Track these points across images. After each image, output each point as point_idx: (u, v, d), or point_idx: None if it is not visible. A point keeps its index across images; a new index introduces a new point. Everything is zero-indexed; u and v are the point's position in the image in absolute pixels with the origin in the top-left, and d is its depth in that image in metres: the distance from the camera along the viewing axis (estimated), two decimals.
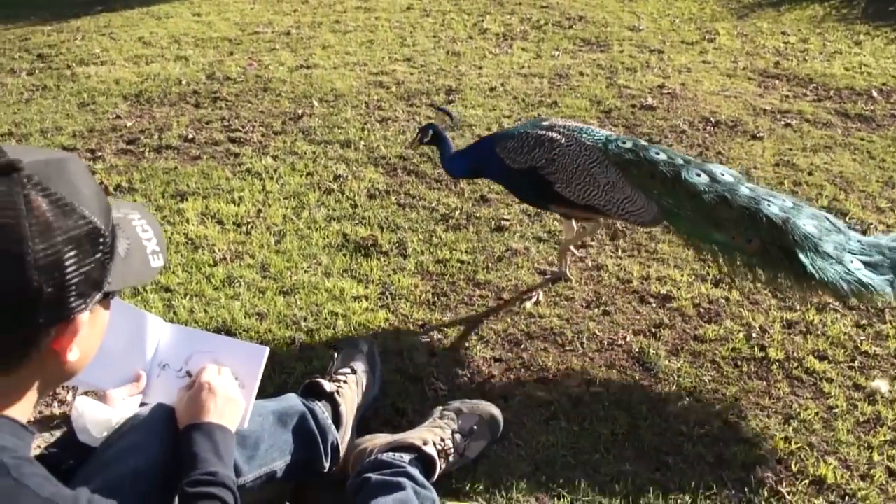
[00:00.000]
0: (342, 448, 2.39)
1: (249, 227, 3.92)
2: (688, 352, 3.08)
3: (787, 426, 2.74)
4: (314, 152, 4.67)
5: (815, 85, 5.76)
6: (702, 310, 3.32)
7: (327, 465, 2.32)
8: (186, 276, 3.50)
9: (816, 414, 2.79)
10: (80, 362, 1.35)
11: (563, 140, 3.11)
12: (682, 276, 3.52)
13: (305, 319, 3.22)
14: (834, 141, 4.85)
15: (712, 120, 5.08)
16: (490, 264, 3.61)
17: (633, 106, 5.31)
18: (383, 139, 4.83)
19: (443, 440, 2.39)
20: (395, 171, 4.42)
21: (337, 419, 2.40)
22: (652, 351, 3.06)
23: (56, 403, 2.59)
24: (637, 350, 3.08)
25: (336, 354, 2.77)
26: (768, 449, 2.65)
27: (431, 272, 3.55)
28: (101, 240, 1.29)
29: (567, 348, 3.09)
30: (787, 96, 5.55)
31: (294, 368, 2.92)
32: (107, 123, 5.26)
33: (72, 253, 1.23)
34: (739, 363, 3.03)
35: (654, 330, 3.20)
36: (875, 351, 3.12)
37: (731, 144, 4.76)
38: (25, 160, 1.21)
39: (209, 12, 8.00)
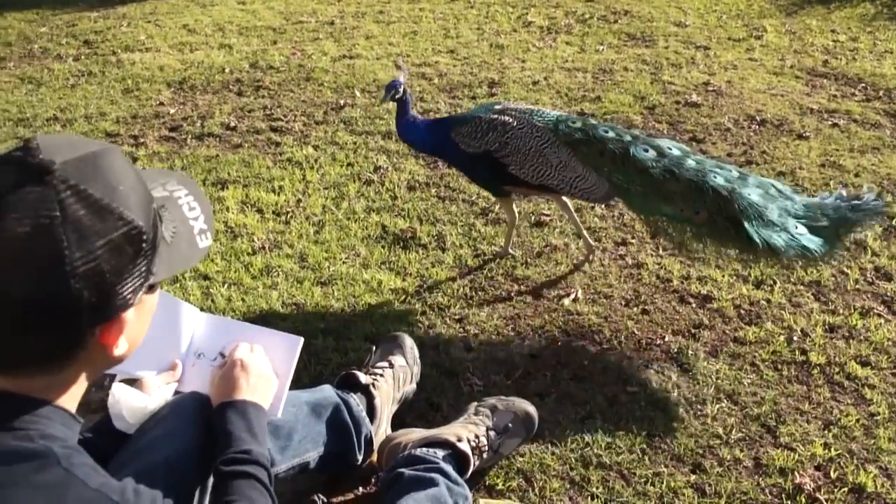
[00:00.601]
0: (376, 441, 2.40)
1: (289, 216, 3.93)
2: (727, 353, 3.04)
3: (826, 432, 2.69)
4: (355, 143, 4.68)
5: (864, 85, 5.65)
6: (742, 311, 3.28)
7: (360, 458, 2.32)
8: (225, 265, 3.52)
9: (857, 420, 2.74)
10: (127, 351, 1.35)
11: (515, 123, 3.19)
12: (723, 276, 3.47)
13: (342, 311, 3.22)
14: (882, 142, 4.75)
15: (758, 118, 5.01)
16: (529, 259, 3.59)
17: (678, 103, 5.25)
18: None
19: (477, 437, 2.38)
20: (436, 164, 4.40)
21: (371, 412, 2.40)
22: (691, 352, 3.02)
23: (93, 389, 2.62)
24: (675, 350, 3.04)
25: (374, 348, 2.78)
26: (807, 455, 2.60)
27: (470, 266, 3.54)
28: (143, 238, 1.26)
29: (604, 346, 3.06)
30: (834, 96, 5.45)
31: (330, 360, 2.93)
32: (150, 110, 5.31)
33: (112, 257, 1.21)
34: (780, 367, 2.98)
35: (693, 330, 3.16)
36: None
37: (776, 144, 4.68)
38: (59, 159, 1.18)
39: (254, 0, 8.04)
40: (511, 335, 3.11)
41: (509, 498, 2.41)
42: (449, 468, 2.20)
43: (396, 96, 3.30)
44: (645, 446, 2.60)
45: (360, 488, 2.43)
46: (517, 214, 3.56)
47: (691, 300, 3.33)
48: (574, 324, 3.18)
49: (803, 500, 2.43)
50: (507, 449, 2.49)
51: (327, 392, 2.31)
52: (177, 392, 2.02)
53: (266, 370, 1.96)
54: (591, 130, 3.18)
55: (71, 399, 1.32)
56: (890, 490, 2.49)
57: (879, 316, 3.27)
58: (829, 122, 5.00)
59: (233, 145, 4.75)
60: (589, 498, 2.42)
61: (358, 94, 5.44)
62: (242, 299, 3.29)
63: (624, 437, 2.63)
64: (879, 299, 3.38)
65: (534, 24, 7.06)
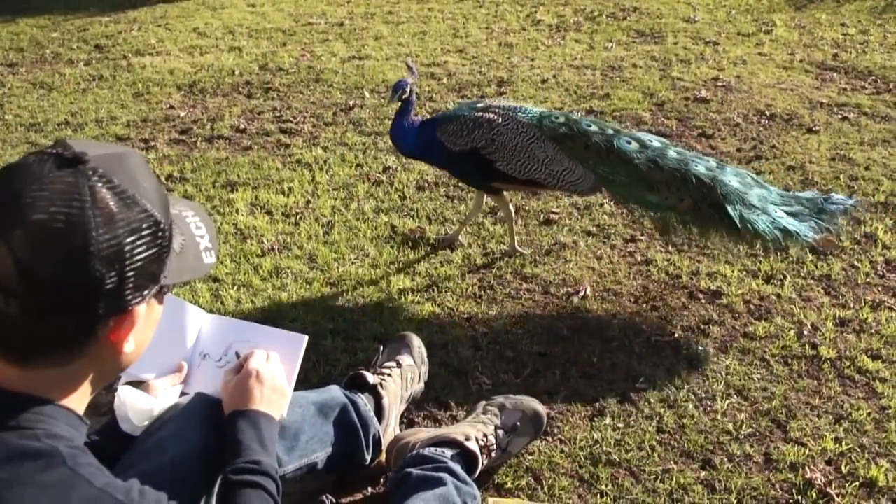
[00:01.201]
0: (384, 441, 2.40)
1: (298, 217, 3.95)
2: (737, 349, 3.03)
3: (837, 426, 2.68)
4: (364, 143, 4.69)
5: (874, 77, 5.62)
6: (752, 306, 3.27)
7: (369, 458, 2.33)
8: (235, 267, 3.54)
9: (868, 414, 2.73)
10: (134, 354, 1.38)
11: (501, 120, 3.25)
12: (733, 271, 3.46)
13: (352, 311, 3.23)
14: (892, 135, 4.73)
15: (767, 113, 4.99)
16: (538, 258, 3.59)
17: (687, 98, 5.24)
18: None
19: (485, 436, 2.38)
20: None
21: (379, 412, 2.40)
22: (700, 348, 3.02)
23: (103, 392, 2.63)
24: (685, 346, 3.03)
25: (382, 348, 2.78)
26: (818, 450, 2.59)
27: (478, 265, 3.55)
28: (161, 232, 1.32)
29: (614, 344, 3.06)
30: (844, 89, 5.42)
31: (339, 360, 2.94)
32: (160, 113, 5.34)
33: (133, 244, 1.27)
34: (790, 361, 2.97)
35: (702, 326, 3.15)
36: None
37: (785, 138, 4.67)
38: (90, 153, 1.26)
39: (263, 3, 8.07)
40: (520, 333, 3.11)
41: (518, 497, 2.41)
42: (457, 467, 2.20)
43: (403, 96, 3.31)
44: (654, 443, 2.60)
45: (369, 488, 2.43)
46: (512, 209, 3.60)
47: (701, 296, 3.33)
48: (583, 321, 3.18)
49: (814, 495, 2.42)
50: (515, 447, 2.49)
51: (334, 392, 2.32)
52: (183, 393, 2.03)
53: (280, 381, 1.97)
54: (575, 125, 3.26)
55: (78, 400, 1.34)
56: None
57: (890, 309, 3.26)
58: (839, 116, 4.98)
59: (242, 147, 4.77)
60: (598, 496, 2.42)
61: (367, 94, 5.46)
62: (252, 301, 3.31)
63: (633, 435, 2.63)
64: (890, 292, 3.36)
65: (543, 23, 7.06)
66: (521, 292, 3.36)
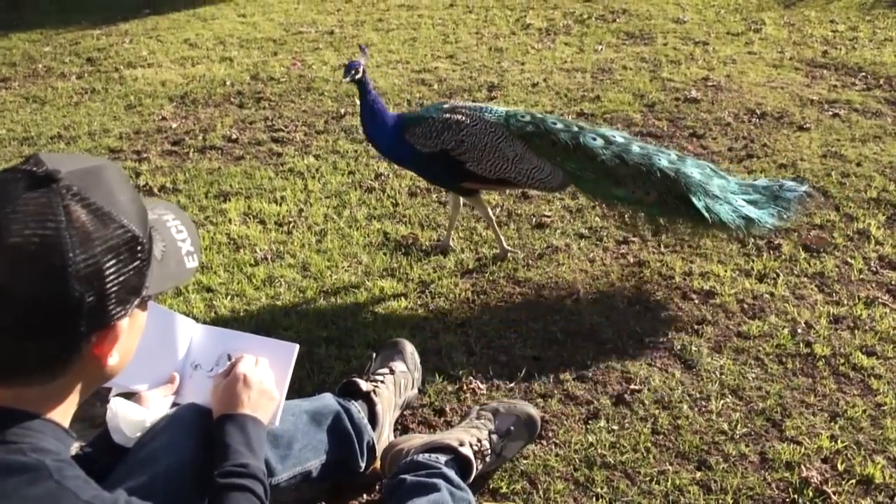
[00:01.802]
0: (378, 448, 2.40)
1: (291, 226, 3.95)
2: (731, 348, 3.03)
3: (833, 424, 2.68)
4: (356, 151, 4.69)
5: (864, 74, 5.64)
6: (745, 305, 3.27)
7: (363, 465, 2.33)
8: (228, 276, 3.53)
9: (864, 411, 2.73)
10: (119, 365, 1.38)
11: (469, 121, 3.28)
12: (726, 271, 3.46)
13: (345, 319, 3.23)
14: (884, 130, 4.74)
15: (758, 112, 5.00)
16: (530, 261, 3.59)
17: (677, 99, 5.25)
18: None
19: (479, 441, 2.38)
20: None
21: (373, 419, 2.40)
22: (694, 348, 3.02)
23: (98, 404, 2.63)
24: (679, 347, 3.03)
25: (374, 355, 2.78)
26: (814, 448, 2.58)
27: (471, 270, 3.55)
28: (139, 247, 1.31)
29: (607, 346, 3.06)
30: (835, 86, 5.44)
31: (333, 368, 2.94)
32: (153, 125, 5.34)
33: (111, 262, 1.25)
34: (784, 360, 2.97)
35: (696, 327, 3.15)
36: None
37: (776, 136, 4.67)
38: (63, 170, 1.23)
39: (254, 13, 8.08)
40: (513, 338, 3.11)
41: (513, 501, 2.41)
42: (451, 473, 2.20)
43: (356, 76, 3.28)
44: (649, 445, 2.59)
45: (364, 496, 2.43)
46: (490, 211, 3.61)
47: (694, 296, 3.33)
48: (576, 324, 3.17)
49: (810, 493, 2.42)
50: (510, 452, 2.49)
51: (327, 400, 2.32)
52: (175, 404, 2.03)
53: (268, 385, 1.97)
54: (541, 123, 3.32)
55: (63, 413, 1.34)
56: None
57: (884, 305, 3.26)
58: (830, 113, 4.99)
59: (235, 157, 4.77)
60: (594, 498, 2.41)
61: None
62: (246, 310, 3.30)
63: (628, 437, 2.62)
64: (884, 288, 3.37)
65: (532, 27, 7.07)
66: (514, 296, 3.36)
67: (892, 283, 3.39)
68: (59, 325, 1.23)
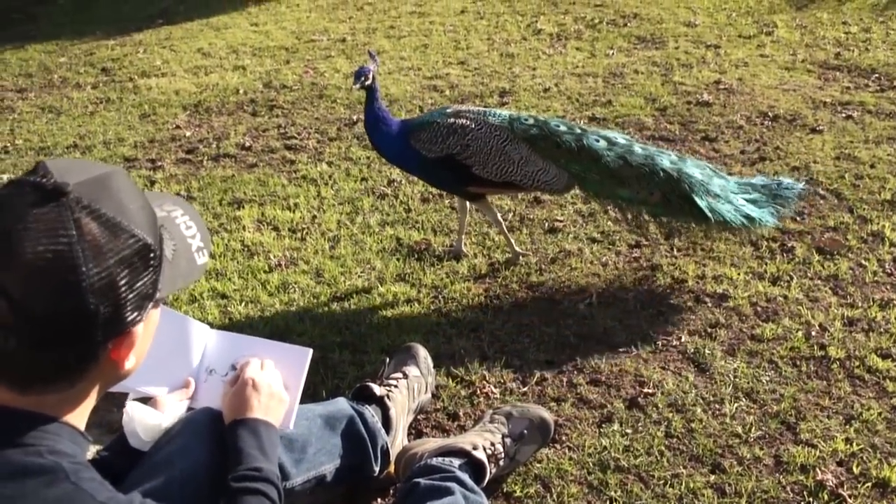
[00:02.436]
0: (392, 452, 2.41)
1: (304, 233, 3.97)
2: (744, 352, 3.02)
3: (848, 427, 2.67)
4: (368, 158, 4.71)
5: (877, 75, 5.61)
6: (759, 308, 3.26)
7: (377, 469, 2.33)
8: (242, 283, 3.56)
9: (879, 414, 2.71)
10: (134, 367, 1.40)
11: (474, 125, 3.30)
12: (739, 274, 3.46)
13: (358, 324, 3.24)
14: None
15: (770, 114, 4.99)
16: (543, 266, 3.60)
17: (689, 103, 5.24)
18: None
19: (493, 444, 2.39)
20: None
21: (387, 423, 2.41)
22: (707, 351, 3.01)
23: (115, 409, 2.65)
24: (692, 350, 3.03)
25: (388, 359, 2.79)
26: (829, 451, 2.57)
27: (484, 275, 3.55)
28: (151, 255, 1.32)
29: (620, 350, 3.06)
30: (848, 88, 5.42)
31: (347, 373, 2.95)
32: (167, 134, 5.37)
33: (125, 273, 1.27)
34: (798, 363, 2.97)
35: (709, 330, 3.15)
36: None
37: (789, 139, 4.66)
38: (72, 181, 1.24)
39: (266, 22, 8.13)
40: (526, 342, 3.11)
41: None
42: (465, 477, 2.21)
43: (366, 83, 3.32)
44: (663, 448, 2.59)
45: (378, 500, 2.44)
46: (498, 214, 3.62)
47: (707, 300, 3.32)
48: (589, 328, 3.18)
49: (826, 496, 2.41)
50: (523, 456, 2.49)
51: (341, 404, 2.33)
52: (190, 408, 2.05)
53: (277, 388, 1.99)
54: (545, 125, 3.33)
55: (80, 416, 1.36)
56: None
57: None
58: (843, 115, 4.97)
59: (248, 165, 4.80)
60: (608, 502, 2.42)
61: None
62: (260, 316, 3.32)
63: (642, 440, 2.62)
64: None
65: (543, 32, 7.08)
66: (527, 301, 3.37)
67: None
68: (75, 336, 1.25)
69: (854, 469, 2.50)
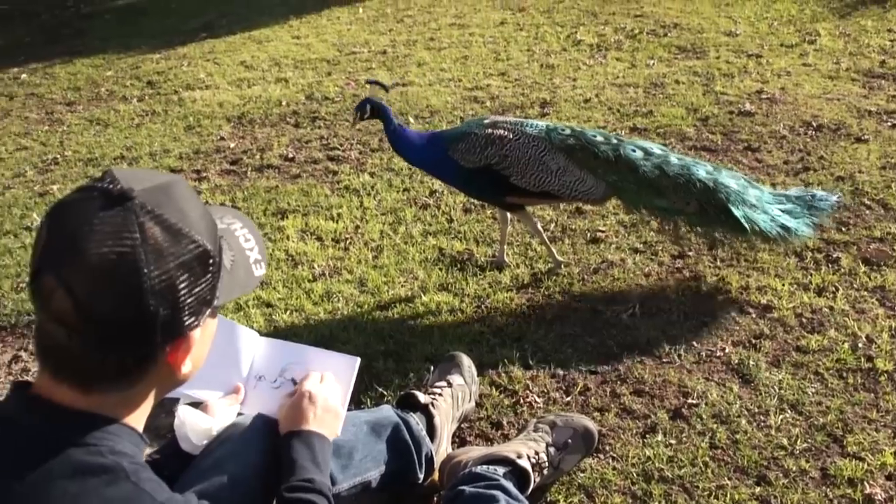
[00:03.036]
0: (437, 460, 2.43)
1: (347, 242, 4.01)
2: (790, 363, 3.00)
3: None
4: (410, 169, 4.73)
5: None
6: (804, 319, 3.24)
7: (422, 476, 2.35)
8: (287, 292, 3.60)
9: None
10: (191, 372, 1.44)
11: (512, 135, 3.33)
12: (783, 285, 3.43)
13: (402, 333, 3.27)
14: None
15: (814, 124, 4.94)
16: (586, 276, 3.60)
17: (731, 112, 5.21)
18: None
19: (537, 453, 2.39)
20: None
21: (431, 431, 2.43)
22: (752, 362, 3.00)
23: (162, 415, 2.71)
24: (736, 361, 3.02)
25: (433, 368, 2.81)
26: (877, 464, 2.54)
27: (527, 285, 3.57)
28: (210, 261, 1.36)
29: (664, 360, 3.05)
30: (893, 96, 5.35)
31: (391, 381, 2.98)
32: (211, 145, 5.46)
33: (184, 277, 1.30)
34: (845, 374, 2.94)
35: (753, 341, 3.13)
36: None
37: (833, 149, 4.62)
38: (137, 187, 1.29)
39: (308, 34, 8.22)
40: (569, 352, 3.12)
41: None
42: (509, 485, 2.22)
43: (365, 116, 3.44)
44: (707, 459, 2.58)
45: None
46: (539, 224, 3.65)
47: (751, 310, 3.30)
48: (632, 338, 3.17)
49: None
50: (567, 465, 2.50)
51: (387, 412, 2.35)
52: (239, 414, 2.09)
53: (334, 402, 2.02)
54: (581, 136, 3.37)
55: (138, 418, 1.40)
56: None
57: None
58: (889, 124, 4.91)
59: (291, 176, 4.86)
60: None
61: (412, 120, 5.52)
62: (305, 325, 3.37)
63: (686, 451, 2.62)
64: None
65: (583, 43, 7.08)
66: (570, 311, 3.37)
67: None
68: (135, 337, 1.29)
69: None
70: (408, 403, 2.49)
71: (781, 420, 2.73)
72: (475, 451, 2.44)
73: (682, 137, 4.92)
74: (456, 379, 2.70)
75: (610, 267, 3.65)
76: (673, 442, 2.66)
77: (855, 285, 3.42)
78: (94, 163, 5.36)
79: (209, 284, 1.36)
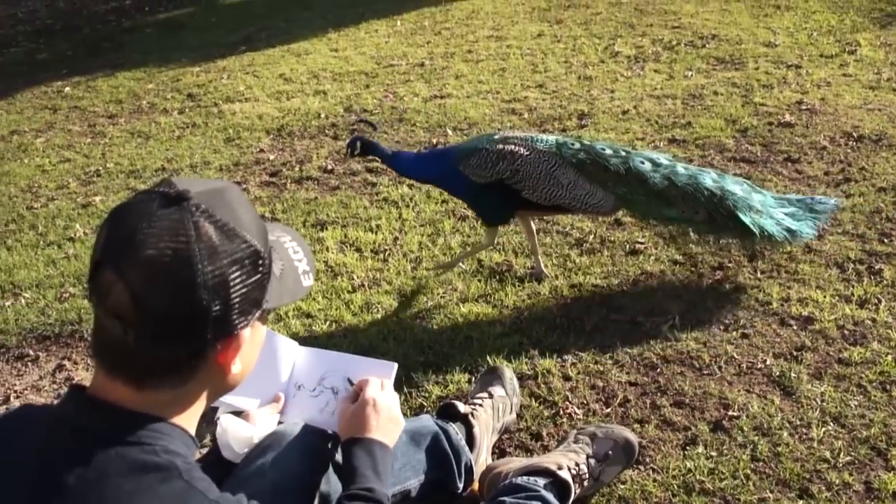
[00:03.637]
0: (476, 470, 2.44)
1: (386, 254, 4.04)
2: (832, 375, 2.98)
3: None
4: None
5: None
6: (846, 331, 3.21)
7: (461, 486, 2.37)
8: (326, 303, 3.64)
9: None
10: (241, 375, 1.48)
11: (523, 150, 3.40)
12: (825, 296, 3.40)
13: (441, 344, 3.29)
14: None
15: (854, 135, 4.90)
16: (625, 288, 3.60)
17: (770, 124, 5.18)
18: None
19: (577, 465, 2.40)
20: None
21: (471, 441, 2.45)
22: (793, 374, 2.97)
23: (203, 424, 2.74)
24: (777, 373, 3.00)
25: (474, 379, 2.83)
26: None
27: (566, 296, 3.57)
28: (261, 261, 1.40)
29: (704, 372, 3.04)
30: None
31: (430, 392, 3.00)
32: (251, 157, 5.53)
33: (236, 274, 1.35)
34: (888, 387, 2.91)
35: (795, 353, 3.11)
36: None
37: (874, 159, 4.57)
38: (193, 190, 1.35)
39: (346, 47, 8.29)
40: (609, 363, 3.12)
41: None
42: (550, 496, 2.23)
43: (356, 153, 3.63)
44: (749, 471, 2.57)
45: None
46: (534, 227, 3.74)
47: (792, 322, 3.28)
48: (672, 350, 3.16)
49: None
50: (607, 476, 2.50)
51: (426, 421, 2.37)
52: (280, 422, 2.12)
53: (396, 411, 2.02)
54: (591, 149, 3.44)
55: (189, 420, 1.43)
56: None
57: None
58: None
59: (331, 187, 4.91)
60: None
61: (450, 132, 5.56)
62: (344, 335, 3.40)
63: (727, 463, 2.60)
64: None
65: (621, 54, 7.08)
66: (609, 322, 3.37)
67: None
68: (188, 332, 1.33)
69: None
70: (448, 413, 2.51)
71: (824, 433, 2.71)
72: (515, 462, 2.45)
73: (722, 149, 4.89)
74: (497, 390, 2.71)
75: (649, 278, 3.65)
76: (714, 454, 2.65)
77: None
78: (135, 175, 5.46)
79: (259, 284, 1.41)
